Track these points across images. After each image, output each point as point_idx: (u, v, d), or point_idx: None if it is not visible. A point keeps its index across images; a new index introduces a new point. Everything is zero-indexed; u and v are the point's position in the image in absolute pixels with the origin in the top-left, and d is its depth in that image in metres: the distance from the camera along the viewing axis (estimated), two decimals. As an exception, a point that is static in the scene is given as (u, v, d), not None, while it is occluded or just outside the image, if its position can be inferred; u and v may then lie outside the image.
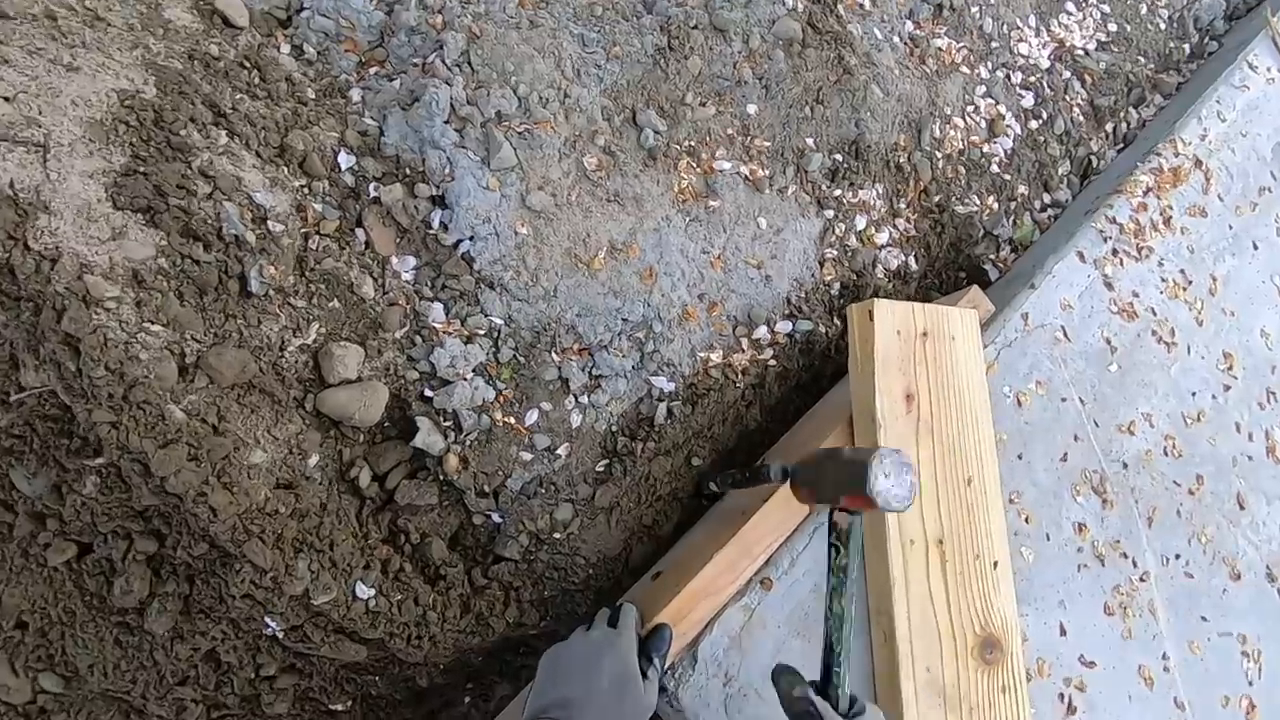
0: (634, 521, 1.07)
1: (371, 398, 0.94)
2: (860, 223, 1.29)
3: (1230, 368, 1.37)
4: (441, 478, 0.99)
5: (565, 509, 1.03)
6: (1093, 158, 1.62)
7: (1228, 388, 1.35)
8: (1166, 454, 1.26)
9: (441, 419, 0.99)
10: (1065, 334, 1.26)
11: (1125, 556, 1.17)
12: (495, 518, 1.03)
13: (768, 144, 1.22)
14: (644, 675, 0.83)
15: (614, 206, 1.09)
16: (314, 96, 1.00)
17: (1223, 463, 1.30)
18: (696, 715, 0.91)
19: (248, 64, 0.96)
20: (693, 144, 1.16)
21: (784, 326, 1.18)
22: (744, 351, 1.16)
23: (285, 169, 0.92)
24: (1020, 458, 1.16)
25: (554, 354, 1.04)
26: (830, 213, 1.26)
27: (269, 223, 0.86)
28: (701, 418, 1.12)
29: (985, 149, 1.43)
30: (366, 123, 1.00)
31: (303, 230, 0.92)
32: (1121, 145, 1.68)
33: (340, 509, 0.94)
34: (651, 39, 1.09)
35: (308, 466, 0.91)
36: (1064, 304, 1.28)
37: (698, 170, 1.16)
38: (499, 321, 1.02)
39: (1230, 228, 1.49)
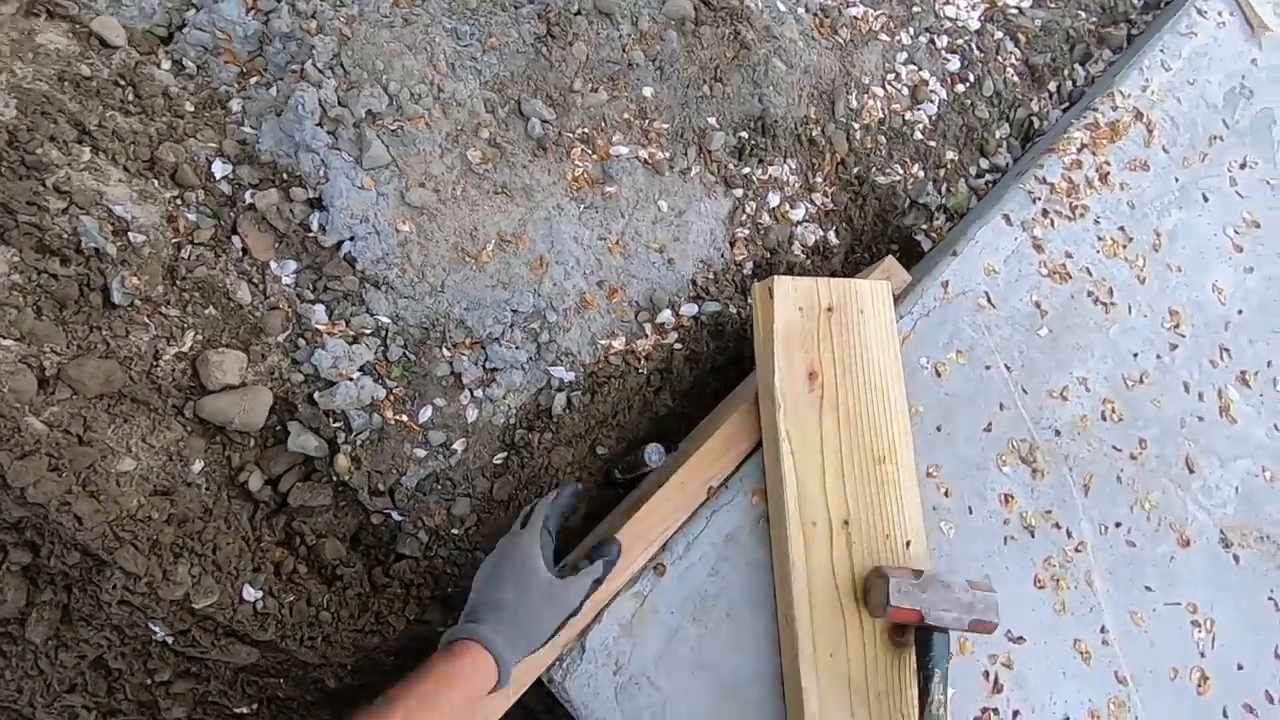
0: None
1: (253, 402, 0.94)
2: (773, 199, 1.27)
3: (1177, 325, 1.31)
4: (335, 478, 1.00)
5: (462, 504, 1.03)
6: (1034, 119, 1.57)
7: (1174, 347, 1.29)
8: (1105, 419, 1.21)
9: (330, 420, 0.99)
10: (989, 300, 1.22)
11: (1058, 527, 1.12)
12: (395, 516, 1.03)
13: (666, 126, 1.20)
14: (574, 570, 0.81)
15: (502, 198, 1.08)
16: (192, 109, 1.01)
17: (1169, 425, 1.24)
18: (585, 705, 0.89)
19: (122, 82, 0.98)
20: (586, 131, 1.15)
21: (689, 309, 1.16)
22: (647, 337, 1.14)
23: (155, 181, 0.93)
24: (940, 430, 1.12)
25: (445, 349, 1.04)
26: (740, 191, 1.24)
27: (130, 234, 0.87)
28: (604, 406, 1.10)
29: (908, 116, 1.39)
30: (245, 131, 1.01)
31: (174, 240, 0.93)
32: (1067, 104, 1.63)
33: (230, 513, 0.94)
34: (529, 28, 1.09)
35: (190, 473, 0.92)
36: (988, 269, 1.24)
37: (593, 157, 1.15)
38: (386, 320, 1.02)
39: (1176, 180, 1.43)
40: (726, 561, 0.98)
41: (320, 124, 0.99)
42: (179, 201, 0.95)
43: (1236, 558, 1.19)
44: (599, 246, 1.13)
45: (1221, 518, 1.21)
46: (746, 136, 1.25)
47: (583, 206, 1.13)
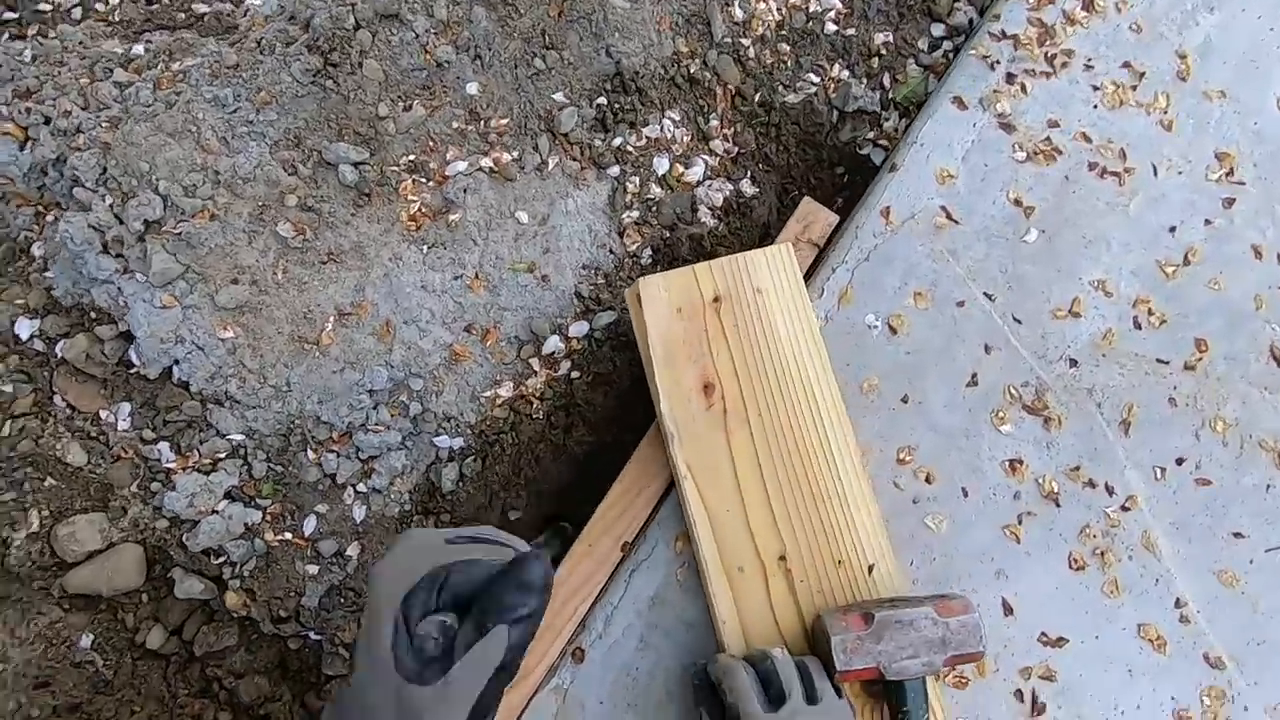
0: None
1: (121, 562, 0.88)
2: (661, 165, 1.05)
3: (1230, 172, 0.98)
4: (235, 615, 0.93)
5: (370, 614, 0.93)
6: (997, -50, 1.22)
7: (1230, 202, 0.97)
8: (1139, 326, 0.92)
9: (211, 557, 0.92)
10: (949, 215, 0.96)
11: (1092, 485, 0.87)
12: (312, 635, 0.95)
13: (506, 121, 1.01)
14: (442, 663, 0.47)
15: (331, 266, 0.95)
16: (-5, 269, 0.95)
17: (1237, 310, 0.93)
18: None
19: (-82, 263, 0.93)
20: (412, 158, 0.99)
21: (579, 328, 0.99)
22: (537, 374, 0.98)
23: (-43, 363, 0.88)
24: (905, 401, 0.89)
25: (309, 452, 0.93)
26: (615, 169, 1.04)
27: (-70, 433, 0.82)
28: (503, 466, 0.96)
29: (812, 8, 1.11)
30: (47, 278, 0.94)
31: (-7, 420, 0.87)
32: (1042, -85, 1.26)
33: (136, 676, 0.90)
34: (300, 65, 0.93)
35: (79, 650, 0.87)
36: (941, 175, 0.97)
37: (428, 184, 0.99)
38: (239, 438, 0.93)
39: (1202, -28, 1.06)
40: (655, 629, 0.82)
41: (106, 249, 0.89)
42: (-10, 376, 0.89)
43: (1369, 466, 0.89)
44: (455, 287, 0.97)
45: (1337, 416, 0.90)
46: (605, 102, 1.03)
47: (426, 247, 0.97)
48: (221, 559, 0.92)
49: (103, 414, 0.91)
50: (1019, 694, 0.81)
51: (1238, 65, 1.02)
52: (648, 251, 1.04)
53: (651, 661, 0.81)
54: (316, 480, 0.94)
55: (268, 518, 0.93)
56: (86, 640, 0.88)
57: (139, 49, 1.00)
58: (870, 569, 0.78)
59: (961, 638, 0.70)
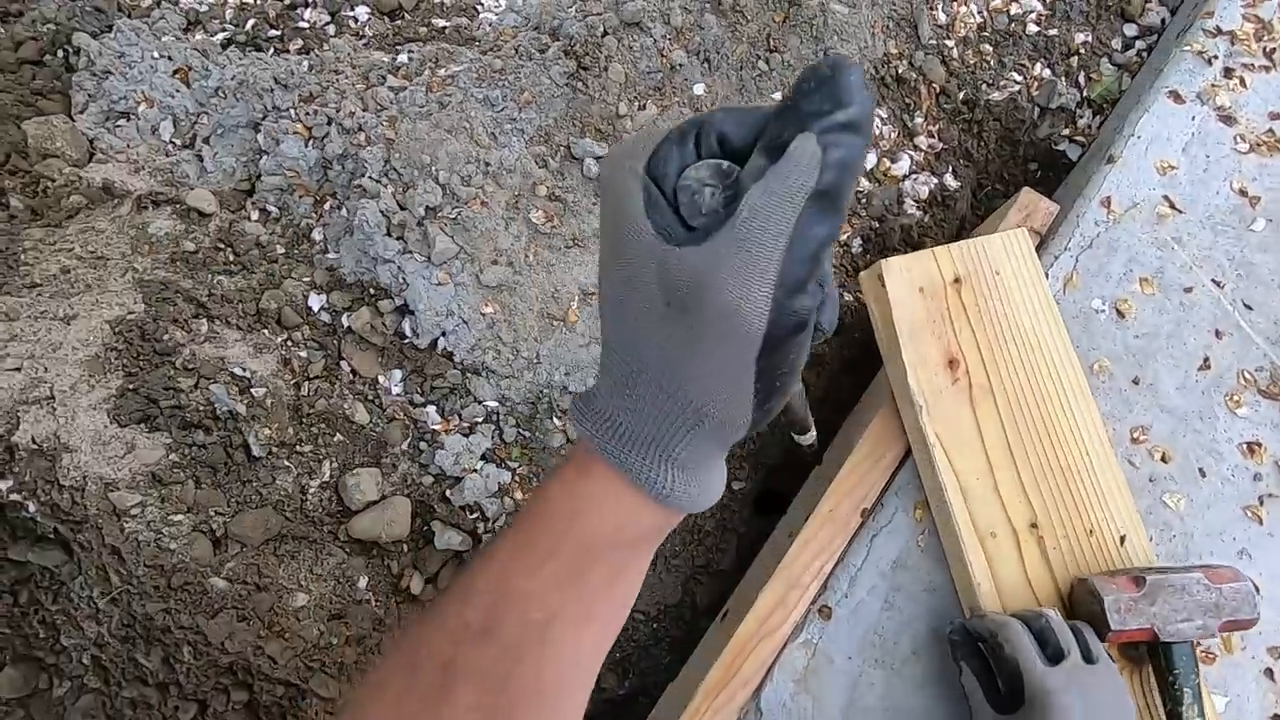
0: (685, 565, 1.01)
1: (395, 513, 0.99)
2: (870, 160, 1.11)
3: None
4: (485, 567, 1.02)
5: (609, 570, 1.01)
6: (1190, -49, 1.24)
7: None
8: (1378, 313, 0.93)
9: (468, 513, 1.02)
10: (1172, 205, 0.98)
11: (1336, 470, 0.87)
12: (550, 591, 1.03)
13: (729, 119, 1.09)
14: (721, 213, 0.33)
15: (575, 250, 1.04)
16: (283, 251, 1.08)
17: None
18: (773, 774, 0.83)
19: (222, 244, 1.06)
20: (644, 153, 1.08)
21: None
22: (760, 353, 1.04)
23: (265, 331, 1.00)
24: (1136, 383, 0.92)
25: (555, 419, 1.02)
26: (827, 164, 1.10)
27: (254, 389, 0.94)
28: (729, 438, 1.03)
29: (1013, 10, 1.16)
30: (329, 258, 1.06)
31: (293, 381, 0.99)
32: (1234, -85, 1.27)
33: (402, 618, 1.00)
34: (559, 69, 1.03)
35: (359, 590, 0.98)
36: (1162, 167, 1.00)
37: (658, 178, 1.07)
38: (494, 404, 1.02)
39: None
40: (899, 591, 0.87)
41: (389, 233, 1.01)
42: (289, 343, 1.01)
43: None
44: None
45: None
46: (820, 101, 1.10)
47: (658, 234, 1.06)
48: (476, 514, 1.02)
49: (380, 379, 1.02)
50: (1269, 672, 0.82)
51: None
52: (858, 241, 1.10)
53: (898, 622, 0.86)
54: (560, 445, 1.03)
55: (516, 478, 1.02)
56: (363, 581, 0.99)
57: (404, 57, 1.13)
58: (1122, 539, 0.81)
59: (1236, 604, 0.72)
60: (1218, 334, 0.93)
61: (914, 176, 1.12)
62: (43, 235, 1.06)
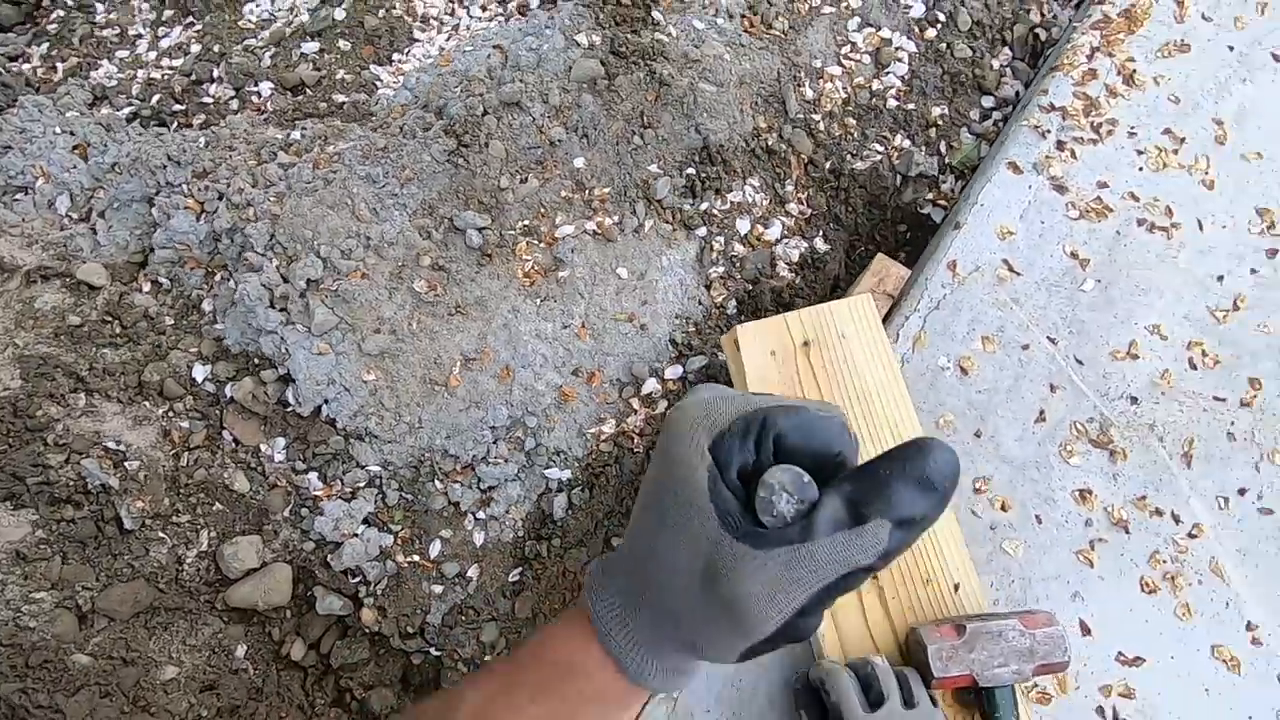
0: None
1: (275, 580, 1.00)
2: (743, 226, 1.18)
3: (1271, 225, 1.07)
4: (367, 630, 1.03)
5: (489, 629, 1.02)
6: (1038, 30, 1.36)
7: (1273, 252, 1.06)
8: (1194, 366, 1.00)
9: (349, 577, 1.03)
10: (1010, 268, 1.06)
11: (1159, 513, 0.94)
12: (433, 652, 1.04)
13: (607, 190, 1.15)
14: (803, 527, 0.36)
15: (458, 318, 1.08)
16: (172, 322, 1.10)
17: (1287, 351, 1.01)
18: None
19: (109, 317, 1.08)
20: (526, 223, 1.13)
21: (674, 372, 1.10)
22: (637, 413, 1.09)
23: (146, 403, 1.02)
24: (978, 436, 0.98)
25: (437, 482, 1.05)
26: (702, 230, 1.16)
27: (128, 463, 0.95)
28: (607, 496, 1.06)
29: (875, 86, 1.25)
30: (217, 329, 1.09)
31: (172, 452, 1.01)
32: (1079, 0, 1.40)
33: (281, 686, 1.00)
34: (440, 146, 1.08)
35: (236, 660, 0.98)
36: (1002, 232, 1.08)
37: (540, 245, 1.13)
38: (376, 469, 1.05)
39: (1231, 49, 1.18)
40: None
41: (271, 305, 1.04)
42: (170, 414, 1.03)
43: None
44: (565, 335, 1.10)
45: (1391, 450, 0.96)
46: (694, 172, 1.17)
47: (539, 300, 1.10)
48: (358, 578, 1.03)
49: (262, 448, 1.04)
50: (1100, 710, 0.86)
51: (1272, 129, 1.12)
52: (732, 303, 1.16)
53: (755, 675, 0.89)
54: (442, 508, 1.05)
55: (399, 541, 1.04)
56: (241, 650, 0.99)
57: (296, 134, 1.17)
58: (956, 587, 0.86)
59: (1048, 648, 0.77)
60: (1052, 388, 1.00)
61: (785, 241, 1.19)
62: (-70, 310, 1.07)
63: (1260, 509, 0.94)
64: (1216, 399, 0.99)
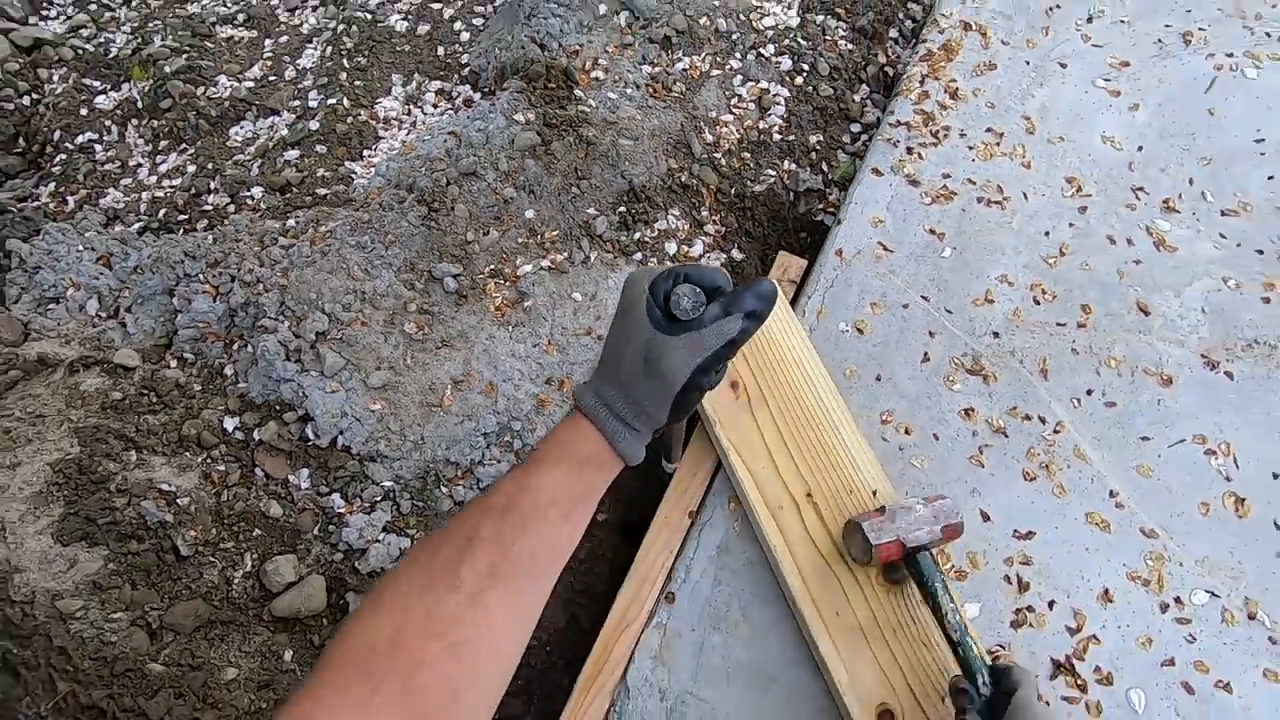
0: (565, 592, 1.20)
1: (310, 590, 1.15)
2: (671, 248, 1.43)
3: (1080, 189, 1.35)
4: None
5: (502, 607, 1.19)
6: (886, 68, 1.68)
7: (1084, 209, 1.34)
8: (1038, 302, 1.26)
9: (375, 579, 1.19)
10: (885, 247, 1.31)
11: (1029, 418, 1.16)
12: (456, 638, 1.20)
13: (556, 233, 1.40)
14: (692, 325, 0.62)
15: (445, 350, 1.29)
16: (200, 388, 1.29)
17: (1106, 281, 1.27)
18: (645, 740, 1.00)
19: (145, 390, 1.27)
20: (493, 267, 1.36)
21: (630, 370, 1.32)
22: (603, 407, 1.29)
23: (187, 453, 1.20)
24: (879, 379, 1.20)
25: (442, 488, 1.23)
26: (638, 255, 1.41)
27: (179, 500, 1.12)
28: (588, 479, 1.25)
29: (761, 125, 1.54)
30: (240, 387, 1.28)
31: (214, 490, 1.18)
32: (915, 41, 1.73)
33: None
34: (415, 214, 1.33)
35: (284, 662, 1.12)
36: (874, 221, 1.34)
37: (506, 284, 1.36)
38: (389, 484, 1.23)
39: (1028, 63, 1.50)
40: (725, 570, 1.09)
41: (287, 358, 1.24)
42: (208, 460, 1.20)
43: (1229, 374, 1.19)
44: (535, 353, 1.31)
45: (1197, 343, 1.21)
46: (625, 210, 1.42)
47: (511, 327, 1.32)
48: (383, 580, 1.19)
49: (290, 478, 1.22)
50: (1007, 578, 1.06)
51: (1068, 118, 1.42)
52: (671, 309, 1.39)
53: (727, 593, 1.07)
54: (449, 509, 1.23)
55: (415, 542, 1.21)
56: (288, 654, 1.13)
57: (291, 222, 1.40)
58: (874, 492, 1.06)
59: (946, 513, 0.97)
60: (931, 334, 1.24)
61: (707, 255, 1.44)
62: (-16, 408, 1.24)
63: (1105, 403, 1.17)
64: (1059, 324, 1.24)
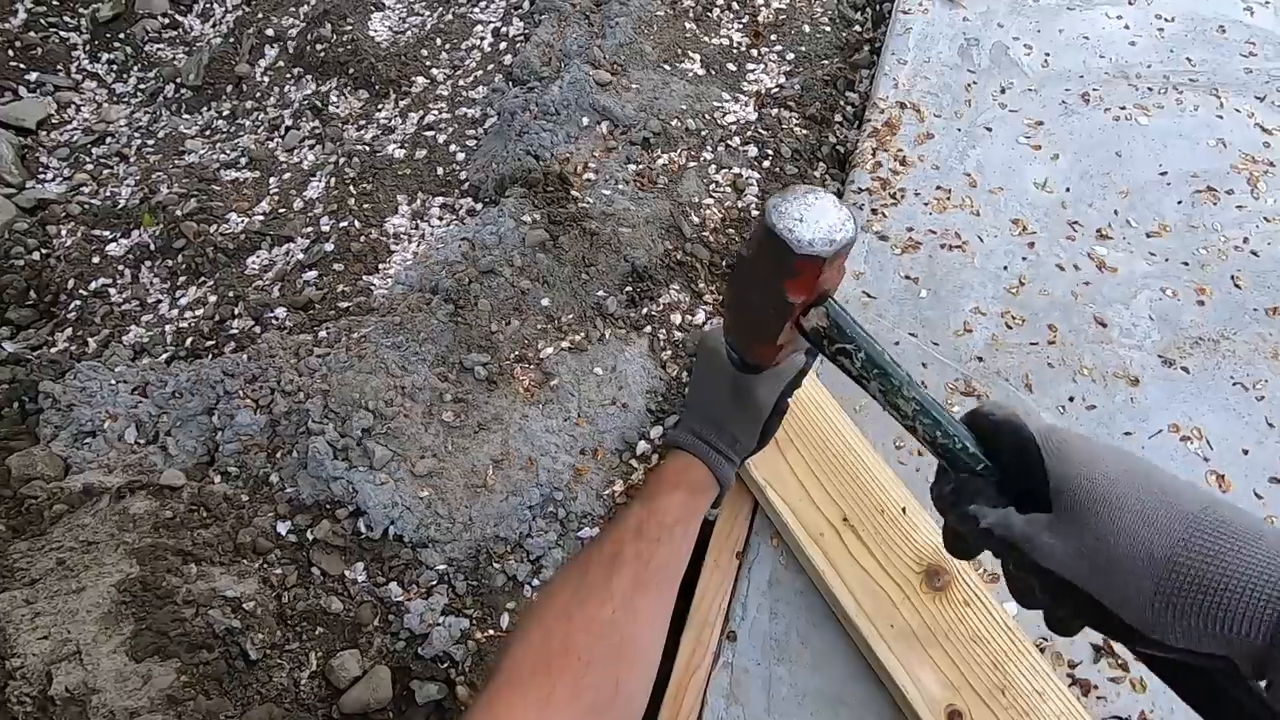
0: (626, 650, 1.24)
1: (377, 682, 1.17)
2: (676, 318, 1.56)
3: (1025, 228, 1.55)
4: (464, 707, 1.19)
5: (567, 674, 1.21)
6: (839, 146, 1.91)
7: (1031, 245, 1.52)
8: (1010, 327, 1.41)
9: (439, 664, 1.21)
10: (869, 295, 1.47)
11: (1024, 428, 1.29)
12: (524, 713, 1.21)
13: (572, 316, 1.52)
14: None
15: (483, 433, 1.38)
16: (247, 499, 1.33)
17: (1064, 303, 1.44)
18: (731, 776, 1.03)
19: (195, 506, 1.31)
20: (517, 353, 1.47)
21: (655, 432, 1.41)
22: (636, 469, 1.38)
23: (244, 561, 1.23)
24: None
25: (494, 564, 1.28)
26: (648, 328, 1.54)
27: (243, 605, 1.15)
28: (632, 538, 1.32)
29: (739, 204, 1.72)
30: (289, 492, 1.33)
31: (275, 594, 1.20)
32: (859, 121, 1.98)
33: None
34: (443, 313, 1.44)
35: (359, 760, 1.12)
36: (855, 275, 1.50)
37: (531, 368, 1.46)
38: (443, 567, 1.27)
39: (959, 130, 1.73)
40: (779, 601, 1.15)
41: (335, 456, 1.30)
42: (265, 564, 1.23)
43: (1185, 369, 1.34)
44: (568, 426, 1.40)
45: (1152, 345, 1.38)
46: (631, 289, 1.56)
47: (542, 405, 1.42)
48: (446, 663, 1.22)
49: (346, 573, 1.25)
50: (1037, 574, 1.15)
51: (1002, 172, 1.64)
52: (684, 374, 1.51)
53: (784, 626, 1.13)
54: (503, 584, 1.27)
55: (474, 622, 1.24)
56: (361, 751, 1.14)
57: (323, 334, 1.50)
58: (904, 510, 1.16)
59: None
60: (924, 365, 1.38)
61: (709, 321, 1.58)
62: (28, 545, 1.27)
63: (1087, 406, 1.31)
64: (1032, 344, 1.39)
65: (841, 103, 1.98)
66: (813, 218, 0.61)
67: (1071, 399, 1.32)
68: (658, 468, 0.79)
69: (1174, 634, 0.46)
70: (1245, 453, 1.24)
